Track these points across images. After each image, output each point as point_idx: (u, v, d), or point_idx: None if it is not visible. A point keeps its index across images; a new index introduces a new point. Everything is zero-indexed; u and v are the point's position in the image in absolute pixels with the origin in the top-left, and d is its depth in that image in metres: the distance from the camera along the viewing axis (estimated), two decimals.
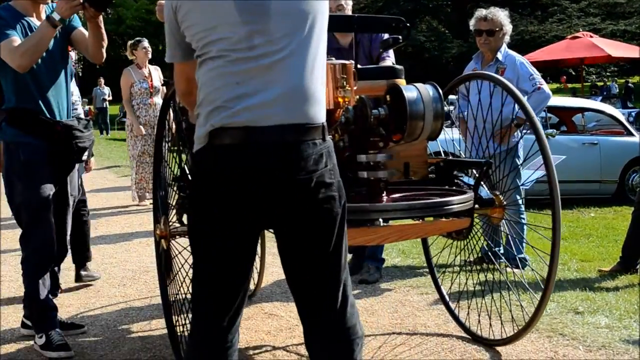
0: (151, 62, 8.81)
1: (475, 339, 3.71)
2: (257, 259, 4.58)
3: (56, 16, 3.42)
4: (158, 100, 8.60)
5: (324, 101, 2.21)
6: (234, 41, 2.07)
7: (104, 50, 3.67)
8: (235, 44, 2.07)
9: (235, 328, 2.27)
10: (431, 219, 3.18)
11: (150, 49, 8.64)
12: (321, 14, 2.21)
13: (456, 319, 3.92)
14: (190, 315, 3.35)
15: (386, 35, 4.71)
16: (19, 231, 3.75)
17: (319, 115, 2.17)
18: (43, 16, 3.64)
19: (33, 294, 3.64)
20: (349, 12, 4.94)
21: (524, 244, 5.14)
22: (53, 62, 3.64)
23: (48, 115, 3.62)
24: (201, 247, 2.20)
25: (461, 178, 3.48)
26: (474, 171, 3.50)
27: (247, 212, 2.11)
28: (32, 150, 3.58)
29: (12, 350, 3.80)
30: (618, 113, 10.22)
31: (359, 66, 3.43)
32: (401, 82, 3.41)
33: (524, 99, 3.29)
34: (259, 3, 2.08)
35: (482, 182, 3.35)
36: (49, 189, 3.61)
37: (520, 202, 4.94)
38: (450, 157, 3.69)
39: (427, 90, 2.97)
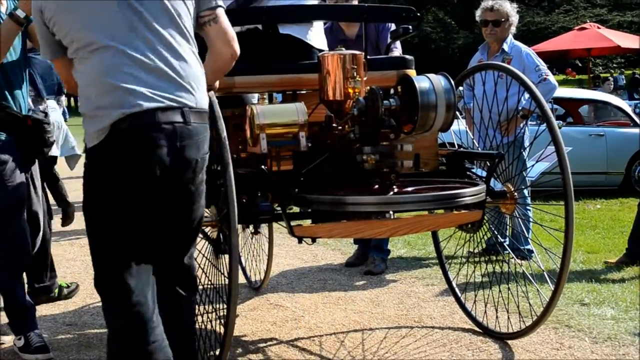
0: None
1: (486, 332, 3.71)
2: (264, 252, 4.59)
3: (21, 13, 3.31)
4: None
5: None
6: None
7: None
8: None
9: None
10: (442, 211, 3.16)
11: None
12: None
13: (466, 311, 3.91)
14: (198, 307, 3.38)
15: (393, 26, 4.69)
16: None
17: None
18: (2, 7, 3.55)
19: (9, 295, 3.57)
20: (355, 2, 4.93)
21: (529, 236, 5.14)
22: (17, 57, 3.57)
23: (17, 110, 3.54)
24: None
25: (472, 170, 3.45)
26: (487, 163, 3.47)
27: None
28: (3, 147, 3.46)
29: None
30: (624, 104, 10.18)
31: (368, 56, 3.42)
32: (411, 72, 3.39)
33: (537, 90, 3.26)
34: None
35: (494, 174, 3.32)
36: (23, 188, 3.52)
37: (526, 193, 4.93)
38: (462, 149, 3.67)
39: (439, 80, 2.95)
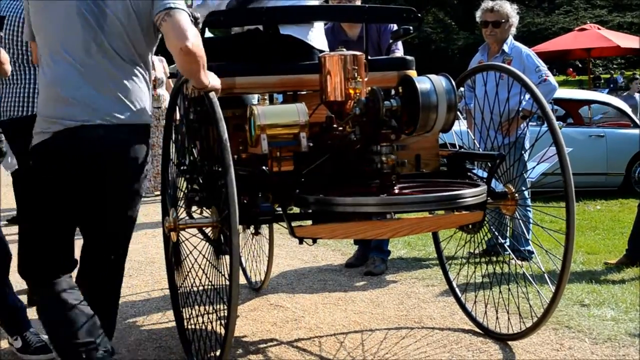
0: (155, 52, 8.78)
1: (486, 333, 3.70)
2: (264, 252, 4.59)
3: None
4: (162, 91, 8.57)
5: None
6: None
7: (6, 67, 3.59)
8: None
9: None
10: (443, 212, 3.16)
11: None
12: None
13: (467, 312, 3.91)
14: (199, 308, 3.38)
15: (395, 26, 4.69)
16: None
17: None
18: None
19: None
20: (358, 2, 4.93)
21: (530, 236, 5.14)
22: None
23: None
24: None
25: (473, 170, 3.45)
26: (488, 163, 3.46)
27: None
28: None
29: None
30: (625, 105, 10.19)
31: (369, 57, 3.42)
32: (412, 73, 3.40)
33: (538, 91, 3.26)
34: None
35: (495, 175, 3.32)
36: None
37: (526, 194, 4.93)
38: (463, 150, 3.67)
39: (440, 81, 2.94)
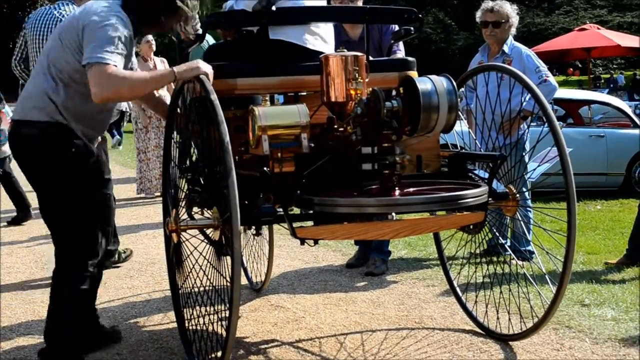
0: (157, 54, 8.81)
1: (487, 333, 3.71)
2: (265, 253, 4.59)
3: None
4: (163, 92, 8.57)
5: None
6: None
7: None
8: None
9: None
10: (444, 212, 3.16)
11: (154, 42, 8.61)
12: None
13: (467, 312, 3.91)
14: (200, 308, 3.39)
15: (396, 27, 4.69)
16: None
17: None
18: None
19: None
20: (360, 3, 4.93)
21: (530, 237, 5.14)
22: None
23: None
24: None
25: (474, 171, 3.45)
26: (489, 164, 3.46)
27: None
28: None
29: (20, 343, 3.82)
30: (625, 105, 10.19)
31: (370, 58, 3.42)
32: (413, 74, 3.40)
33: (539, 91, 3.26)
34: None
35: (496, 176, 3.32)
36: None
37: (527, 195, 4.93)
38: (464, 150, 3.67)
39: (441, 82, 2.95)
